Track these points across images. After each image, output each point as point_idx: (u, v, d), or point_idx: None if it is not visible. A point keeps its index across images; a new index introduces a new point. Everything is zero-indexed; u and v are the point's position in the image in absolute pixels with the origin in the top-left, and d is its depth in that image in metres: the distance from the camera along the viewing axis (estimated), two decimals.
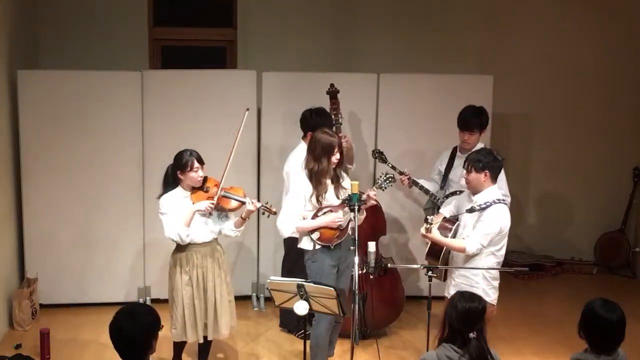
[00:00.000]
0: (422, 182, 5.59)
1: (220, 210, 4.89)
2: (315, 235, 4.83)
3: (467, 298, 3.55)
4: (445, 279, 4.84)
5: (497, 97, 6.53)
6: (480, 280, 4.59)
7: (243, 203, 4.84)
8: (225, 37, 7.50)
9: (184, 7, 7.50)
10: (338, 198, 4.89)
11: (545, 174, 7.67)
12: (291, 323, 5.87)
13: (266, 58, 7.15)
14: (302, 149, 5.56)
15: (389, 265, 4.97)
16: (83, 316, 6.13)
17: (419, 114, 6.46)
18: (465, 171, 4.67)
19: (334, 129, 5.71)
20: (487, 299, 4.54)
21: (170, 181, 4.86)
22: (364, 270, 4.77)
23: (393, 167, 5.56)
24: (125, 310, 3.24)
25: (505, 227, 4.56)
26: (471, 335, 3.50)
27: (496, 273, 4.66)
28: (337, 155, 4.85)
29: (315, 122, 5.51)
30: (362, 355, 5.47)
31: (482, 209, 4.53)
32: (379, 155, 5.75)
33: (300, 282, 4.26)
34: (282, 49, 7.27)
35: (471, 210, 4.56)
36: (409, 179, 5.52)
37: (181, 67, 6.77)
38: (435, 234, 4.60)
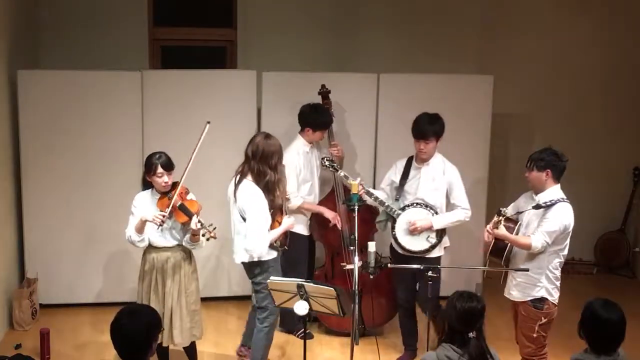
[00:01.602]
0: (375, 192, 5.32)
1: (175, 220, 4.74)
2: (278, 243, 4.90)
3: (466, 298, 3.55)
4: (504, 281, 4.83)
5: (497, 97, 6.53)
6: (544, 279, 4.60)
7: (190, 218, 4.64)
8: (225, 37, 7.50)
9: (184, 7, 7.50)
10: None
11: None
12: (291, 323, 5.88)
13: (266, 58, 7.15)
14: (299, 144, 5.65)
15: (388, 265, 4.96)
16: (83, 316, 6.14)
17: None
18: (526, 169, 4.66)
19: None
20: (549, 298, 4.62)
21: (147, 181, 4.82)
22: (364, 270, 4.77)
23: (345, 177, 5.34)
24: (126, 310, 3.25)
25: (570, 226, 4.56)
26: (471, 335, 3.50)
27: (559, 273, 4.66)
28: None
29: (315, 119, 5.59)
30: (363, 355, 5.47)
31: (547, 207, 4.53)
32: (330, 164, 5.44)
33: (300, 282, 4.26)
34: (282, 49, 7.27)
35: (537, 207, 4.56)
36: (363, 189, 5.17)
37: (181, 67, 6.77)
38: (502, 230, 4.58)
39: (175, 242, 4.79)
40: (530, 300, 4.62)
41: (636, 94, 7.65)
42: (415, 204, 5.16)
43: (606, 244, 7.70)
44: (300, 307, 4.16)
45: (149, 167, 4.68)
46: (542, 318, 4.61)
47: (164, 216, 4.60)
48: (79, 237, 6.22)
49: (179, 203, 4.67)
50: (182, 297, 4.80)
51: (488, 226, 4.66)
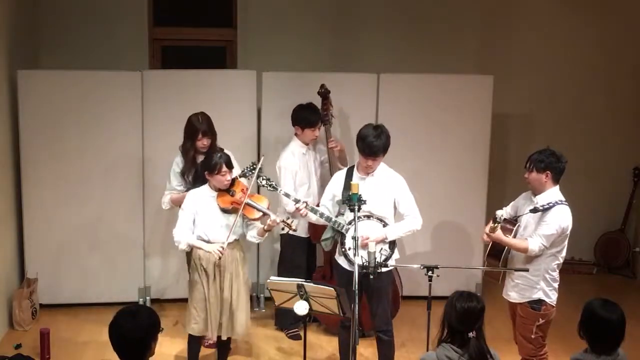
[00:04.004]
0: (319, 209, 4.94)
1: (242, 217, 4.89)
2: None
3: (466, 298, 3.54)
4: (502, 281, 4.82)
5: (497, 97, 6.53)
6: (542, 281, 4.59)
7: (266, 215, 4.85)
8: (225, 37, 7.50)
9: (184, 7, 7.49)
10: None
11: None
12: (284, 322, 5.90)
13: (266, 58, 7.15)
14: (294, 145, 5.69)
15: (388, 264, 4.93)
16: (83, 316, 6.14)
17: (419, 114, 6.46)
18: (526, 170, 4.65)
19: (324, 128, 5.76)
20: (547, 300, 4.61)
21: (201, 178, 4.95)
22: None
23: (286, 195, 5.09)
24: (126, 311, 3.24)
25: (567, 229, 4.55)
26: (470, 334, 3.50)
27: (556, 275, 4.65)
28: (204, 142, 5.19)
29: (298, 116, 5.63)
30: (362, 356, 5.47)
31: (545, 210, 4.51)
32: (267, 183, 5.03)
33: (300, 282, 4.26)
34: (282, 49, 7.27)
35: (535, 211, 4.53)
36: (307, 206, 4.91)
37: (181, 67, 6.77)
38: (499, 234, 4.57)
39: (234, 237, 4.87)
40: (528, 301, 4.62)
41: (636, 94, 7.65)
42: (363, 217, 4.77)
43: (606, 244, 7.70)
44: (300, 307, 4.16)
45: (213, 166, 4.77)
46: (540, 319, 4.60)
47: (223, 250, 4.73)
48: (79, 237, 6.22)
49: (248, 200, 4.81)
50: (241, 289, 4.91)
51: (486, 229, 4.63)
